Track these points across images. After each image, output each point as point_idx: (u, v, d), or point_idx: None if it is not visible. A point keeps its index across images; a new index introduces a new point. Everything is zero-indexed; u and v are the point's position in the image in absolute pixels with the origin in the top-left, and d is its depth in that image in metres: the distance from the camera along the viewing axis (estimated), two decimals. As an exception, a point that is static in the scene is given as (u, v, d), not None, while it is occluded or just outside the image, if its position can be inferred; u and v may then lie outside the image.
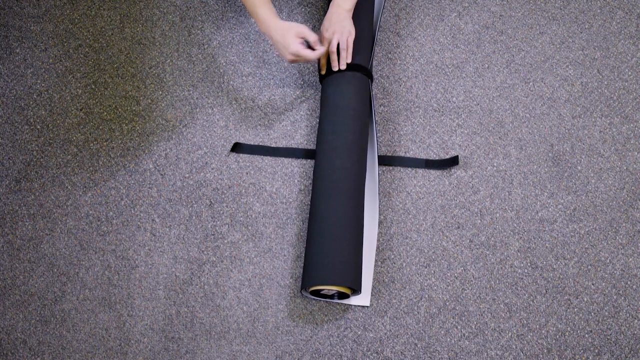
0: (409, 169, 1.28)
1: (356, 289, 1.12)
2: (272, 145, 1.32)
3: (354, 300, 1.18)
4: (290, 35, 1.18)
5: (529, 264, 1.21)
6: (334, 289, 1.11)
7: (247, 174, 1.29)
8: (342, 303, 1.19)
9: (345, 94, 1.22)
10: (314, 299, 1.19)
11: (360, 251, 1.15)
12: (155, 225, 1.26)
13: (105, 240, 1.26)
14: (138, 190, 1.29)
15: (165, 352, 1.18)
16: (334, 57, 1.23)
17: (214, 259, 1.23)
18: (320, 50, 1.21)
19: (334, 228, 1.12)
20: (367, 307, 1.19)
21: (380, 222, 1.24)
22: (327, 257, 1.10)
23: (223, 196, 1.28)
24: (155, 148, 1.32)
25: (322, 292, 1.14)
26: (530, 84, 1.35)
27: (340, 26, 1.22)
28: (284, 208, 1.27)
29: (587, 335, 1.16)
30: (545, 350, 1.15)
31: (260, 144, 1.32)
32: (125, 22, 1.43)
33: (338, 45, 1.23)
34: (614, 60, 1.36)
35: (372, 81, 1.29)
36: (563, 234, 1.23)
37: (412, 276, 1.21)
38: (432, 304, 1.19)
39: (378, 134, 1.31)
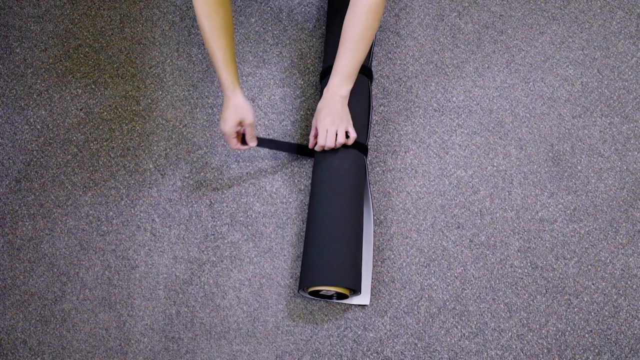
0: (409, 168, 1.28)
1: (355, 290, 1.12)
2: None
3: (353, 300, 1.18)
4: (233, 116, 1.14)
5: (529, 264, 1.21)
6: (332, 289, 1.11)
7: (247, 174, 1.29)
8: (341, 303, 1.19)
9: (351, 103, 1.22)
10: (312, 298, 1.19)
11: (360, 251, 1.14)
12: (155, 225, 1.26)
13: (105, 240, 1.26)
14: (138, 190, 1.29)
15: (166, 352, 1.18)
16: (325, 148, 1.18)
17: (214, 259, 1.23)
18: (241, 147, 1.20)
19: (332, 228, 1.12)
20: (367, 306, 1.19)
21: (380, 222, 1.24)
22: (326, 258, 1.10)
23: (223, 196, 1.28)
24: (155, 148, 1.32)
25: (321, 293, 1.14)
26: (530, 83, 1.35)
27: (338, 118, 1.14)
28: (284, 208, 1.27)
29: (587, 335, 1.16)
30: (545, 350, 1.15)
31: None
32: (125, 22, 1.43)
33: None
34: (614, 60, 1.36)
35: (372, 81, 1.29)
36: (563, 234, 1.23)
37: (412, 276, 1.21)
38: (432, 303, 1.19)
39: (378, 134, 1.31)
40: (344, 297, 1.16)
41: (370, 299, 1.19)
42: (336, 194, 1.15)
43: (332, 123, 1.15)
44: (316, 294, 1.15)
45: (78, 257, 1.25)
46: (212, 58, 1.13)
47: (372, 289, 1.20)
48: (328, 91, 1.15)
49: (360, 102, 1.23)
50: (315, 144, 1.21)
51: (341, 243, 1.11)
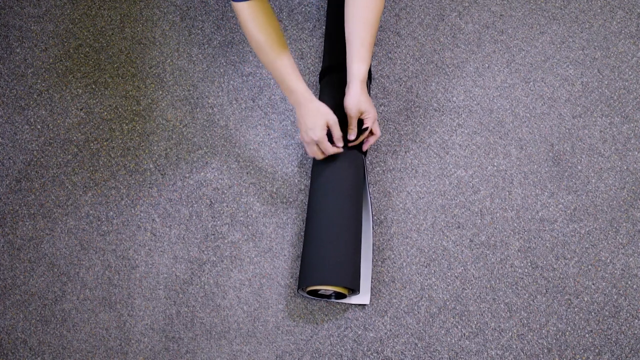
0: (409, 168, 1.28)
1: (354, 289, 1.12)
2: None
3: (353, 299, 1.18)
4: (320, 121, 1.12)
5: (529, 264, 1.21)
6: (330, 289, 1.11)
7: (247, 173, 1.29)
8: (341, 302, 1.19)
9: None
10: (312, 298, 1.19)
11: (359, 251, 1.14)
12: (155, 225, 1.26)
13: (106, 240, 1.26)
14: (138, 190, 1.29)
15: (166, 351, 1.18)
16: (355, 130, 1.18)
17: (214, 258, 1.23)
18: (339, 149, 1.16)
19: (330, 228, 1.12)
20: (367, 306, 1.19)
21: (380, 222, 1.24)
22: (324, 257, 1.10)
23: (223, 196, 1.28)
24: (155, 148, 1.32)
25: (319, 292, 1.14)
26: (531, 83, 1.35)
27: (370, 107, 1.15)
28: (284, 208, 1.27)
29: (587, 335, 1.16)
30: (545, 350, 1.15)
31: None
32: (126, 22, 1.43)
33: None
34: (614, 59, 1.36)
35: (371, 81, 1.29)
36: (563, 234, 1.23)
37: (412, 276, 1.21)
38: (433, 303, 1.19)
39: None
40: (343, 296, 1.16)
41: (371, 298, 1.19)
42: (335, 194, 1.15)
43: (369, 115, 1.15)
44: (315, 293, 1.15)
45: (78, 257, 1.25)
46: (276, 70, 1.11)
47: (372, 288, 1.20)
48: (360, 80, 1.12)
49: None
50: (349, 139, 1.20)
51: (339, 242, 1.11)
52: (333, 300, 1.17)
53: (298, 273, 1.22)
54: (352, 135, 1.17)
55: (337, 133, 1.14)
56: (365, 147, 1.19)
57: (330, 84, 1.24)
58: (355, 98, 1.13)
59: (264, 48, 1.10)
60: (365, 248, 1.20)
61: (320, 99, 1.25)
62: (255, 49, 1.12)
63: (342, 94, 1.21)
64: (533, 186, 1.26)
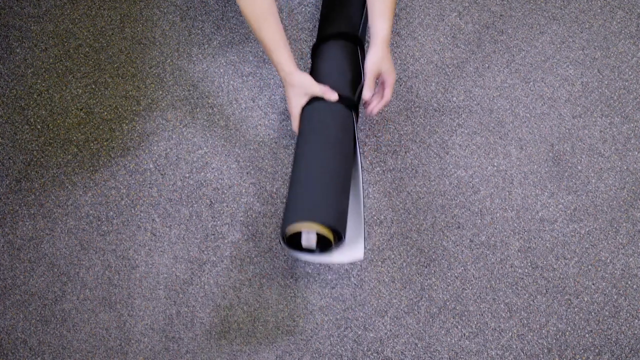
0: (410, 168, 1.28)
1: (338, 231, 1.03)
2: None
3: (345, 255, 1.09)
4: (301, 99, 1.13)
5: (529, 264, 1.21)
6: (311, 229, 1.02)
7: (247, 173, 1.29)
8: (332, 264, 1.13)
9: (338, 62, 1.18)
10: (297, 256, 1.12)
11: (344, 196, 1.06)
12: (155, 225, 1.26)
13: (106, 240, 1.26)
14: (138, 190, 1.29)
15: (166, 351, 1.18)
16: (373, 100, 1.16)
17: (214, 258, 1.24)
18: (333, 97, 1.13)
19: (310, 171, 1.07)
20: (362, 261, 1.12)
21: (380, 222, 1.24)
22: (304, 197, 1.04)
23: (223, 196, 1.28)
24: (155, 148, 1.32)
25: (303, 244, 1.05)
26: (531, 83, 1.35)
27: (391, 69, 1.14)
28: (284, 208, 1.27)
29: (587, 335, 1.16)
30: (545, 350, 1.15)
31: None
32: (126, 22, 1.43)
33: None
34: (614, 60, 1.36)
35: (362, 48, 1.24)
36: (563, 234, 1.23)
37: (412, 276, 1.21)
38: (433, 303, 1.19)
39: (378, 134, 1.31)
40: (329, 245, 1.07)
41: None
42: (317, 141, 1.10)
43: (390, 76, 1.14)
44: (298, 245, 1.08)
45: (78, 257, 1.25)
46: (262, 42, 1.12)
47: (372, 288, 1.20)
48: (383, 41, 1.09)
49: (348, 58, 1.19)
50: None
51: (318, 184, 1.05)
52: (320, 256, 1.08)
53: (298, 273, 1.22)
54: (368, 93, 1.13)
55: (319, 91, 1.13)
56: (375, 111, 1.16)
57: (321, 53, 1.21)
58: (378, 58, 1.10)
59: (250, 20, 1.11)
60: (355, 202, 1.13)
61: (312, 70, 1.22)
62: (247, 21, 1.13)
63: (337, 57, 1.17)
64: (533, 186, 1.26)
